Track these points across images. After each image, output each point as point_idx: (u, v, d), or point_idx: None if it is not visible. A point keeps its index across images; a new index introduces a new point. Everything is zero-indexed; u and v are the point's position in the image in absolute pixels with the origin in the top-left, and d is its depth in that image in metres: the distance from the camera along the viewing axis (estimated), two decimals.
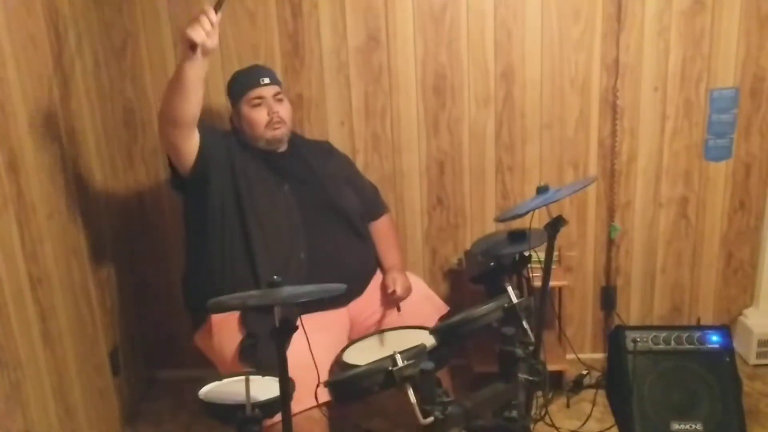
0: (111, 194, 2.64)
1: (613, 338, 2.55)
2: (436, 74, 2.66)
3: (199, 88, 1.95)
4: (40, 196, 2.07)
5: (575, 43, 2.63)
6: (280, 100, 2.24)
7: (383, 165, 2.75)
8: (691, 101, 2.68)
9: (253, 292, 1.56)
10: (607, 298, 2.90)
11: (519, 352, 1.75)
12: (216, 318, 2.08)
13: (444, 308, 2.31)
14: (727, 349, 2.39)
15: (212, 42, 1.87)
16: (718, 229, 2.83)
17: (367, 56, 2.64)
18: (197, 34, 1.82)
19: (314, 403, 1.72)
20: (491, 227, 2.79)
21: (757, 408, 2.53)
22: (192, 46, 1.85)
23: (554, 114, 2.70)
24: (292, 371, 1.47)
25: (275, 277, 1.45)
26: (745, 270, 2.88)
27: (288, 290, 1.44)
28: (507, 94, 2.68)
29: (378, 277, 2.30)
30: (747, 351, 2.83)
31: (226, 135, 2.26)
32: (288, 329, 1.41)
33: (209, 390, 1.73)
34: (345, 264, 2.16)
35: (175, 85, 1.93)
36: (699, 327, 2.51)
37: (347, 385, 1.67)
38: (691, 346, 2.40)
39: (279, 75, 2.42)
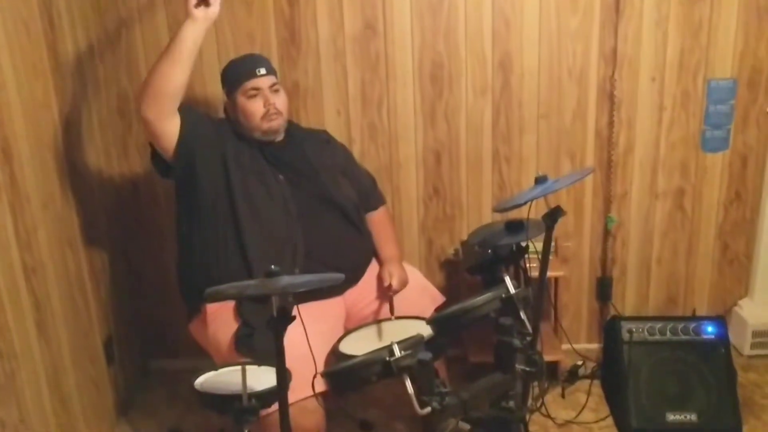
0: (105, 183, 2.62)
1: (609, 329, 2.56)
2: (433, 63, 2.65)
3: (192, 59, 1.98)
4: (34, 185, 2.05)
5: (573, 33, 2.61)
6: (276, 91, 2.22)
7: (380, 155, 2.74)
8: (688, 92, 2.67)
9: (250, 282, 1.55)
10: (603, 288, 2.90)
11: (516, 342, 1.75)
12: (211, 307, 2.07)
13: (440, 298, 2.30)
14: (722, 340, 2.40)
15: (216, 5, 1.92)
16: (714, 221, 2.83)
17: (364, 45, 2.62)
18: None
19: (311, 393, 1.72)
20: (488, 217, 2.79)
21: (752, 399, 2.54)
22: (198, 3, 1.89)
23: (551, 104, 2.69)
24: (288, 361, 1.46)
25: (272, 266, 1.44)
26: (740, 261, 2.88)
27: (286, 280, 1.43)
28: (504, 84, 2.67)
29: (374, 266, 2.29)
30: (741, 342, 2.84)
31: (219, 123, 2.23)
32: (285, 319, 1.40)
33: (205, 380, 1.73)
34: (341, 253, 2.15)
35: (170, 50, 1.96)
36: (694, 318, 2.52)
37: (344, 376, 1.67)
38: (687, 337, 2.41)
39: (275, 63, 2.40)
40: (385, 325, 2.11)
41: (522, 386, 1.90)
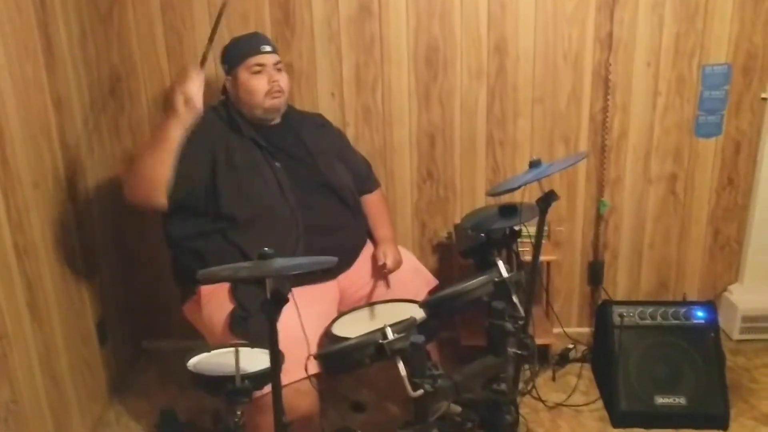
0: (98, 163, 2.60)
1: (600, 313, 2.57)
2: (428, 46, 2.63)
3: (176, 150, 1.96)
4: (26, 165, 2.04)
5: (569, 17, 2.60)
6: (279, 70, 2.21)
7: (374, 138, 2.73)
8: (683, 77, 2.67)
9: (244, 264, 1.55)
10: (595, 273, 2.91)
11: (508, 326, 1.76)
12: (205, 289, 2.07)
13: (433, 282, 2.31)
14: (712, 325, 2.41)
15: (200, 103, 1.95)
16: (705, 206, 2.84)
17: (359, 26, 2.60)
18: (190, 88, 1.93)
19: (304, 375, 1.73)
20: (481, 201, 2.79)
21: (740, 382, 2.57)
22: (185, 102, 1.92)
23: (546, 88, 2.69)
24: (281, 343, 1.47)
25: (266, 249, 1.44)
26: (731, 246, 2.90)
27: (279, 262, 1.43)
28: (500, 67, 2.66)
29: (368, 249, 2.29)
30: (731, 326, 2.86)
31: (206, 128, 2.13)
32: (279, 301, 1.40)
33: (198, 361, 1.73)
34: (335, 237, 2.15)
35: (155, 146, 1.97)
36: (685, 303, 2.53)
37: (338, 358, 1.68)
38: (677, 322, 2.42)
39: None
40: (378, 308, 2.12)
41: (513, 369, 1.92)
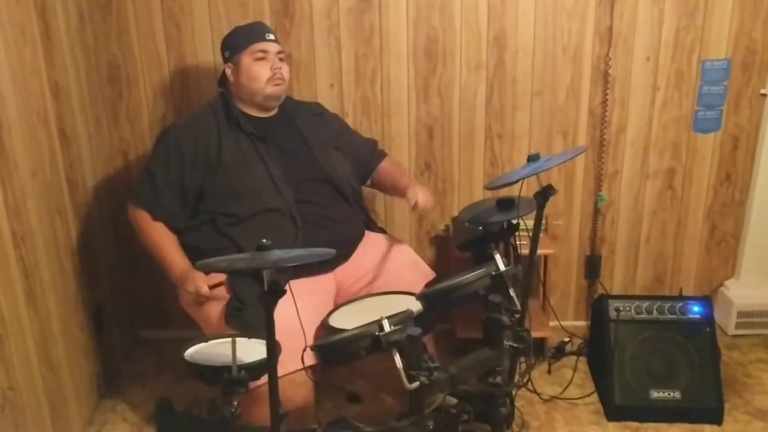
0: (95, 151, 2.59)
1: (597, 307, 2.57)
2: (428, 38, 2.62)
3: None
4: (23, 153, 2.03)
5: (569, 10, 2.60)
6: (282, 59, 2.22)
7: (372, 129, 2.72)
8: (682, 72, 2.67)
9: (241, 255, 1.55)
10: (592, 267, 2.92)
11: (505, 319, 1.76)
12: None
13: (430, 274, 2.31)
14: (708, 320, 2.42)
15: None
16: (703, 201, 2.85)
17: (359, 17, 2.59)
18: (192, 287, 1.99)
19: (300, 366, 1.73)
20: (479, 194, 2.79)
21: (735, 377, 2.58)
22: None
23: (545, 81, 2.68)
24: (278, 334, 1.47)
25: (264, 240, 1.44)
26: (728, 242, 2.90)
27: (277, 254, 1.43)
28: (499, 60, 2.66)
29: (365, 242, 2.29)
30: (726, 321, 2.87)
31: (194, 134, 2.16)
32: (276, 293, 1.40)
33: (195, 351, 1.73)
34: (332, 230, 2.15)
35: (154, 256, 2.14)
36: (681, 297, 2.54)
37: (334, 349, 1.68)
38: (673, 316, 2.43)
39: None
40: (375, 300, 2.12)
41: (509, 362, 1.92)
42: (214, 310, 1.99)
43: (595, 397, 2.49)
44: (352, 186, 2.32)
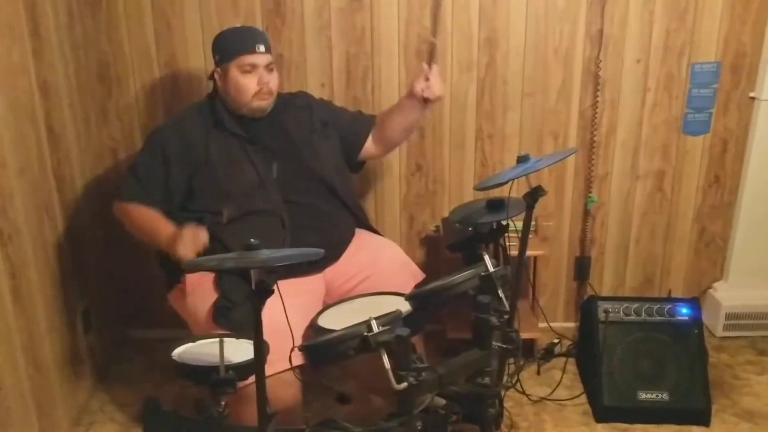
0: (84, 150, 2.58)
1: (586, 308, 2.58)
2: (419, 38, 2.62)
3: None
4: (11, 151, 2.02)
5: (560, 12, 2.60)
6: (271, 71, 2.18)
7: None
8: (672, 74, 2.68)
9: (229, 255, 1.54)
10: (581, 268, 2.93)
11: (494, 320, 1.76)
12: (191, 278, 2.06)
13: (420, 275, 2.30)
14: (696, 322, 2.43)
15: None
16: (692, 203, 2.86)
17: (350, 17, 2.59)
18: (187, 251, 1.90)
19: (288, 366, 1.73)
20: (469, 195, 2.79)
21: (722, 379, 2.59)
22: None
23: (536, 83, 2.69)
24: (266, 334, 1.46)
25: (252, 240, 1.43)
26: (716, 244, 2.92)
27: (265, 254, 1.42)
28: (490, 61, 2.66)
29: (354, 243, 2.28)
30: (715, 323, 2.88)
31: (188, 132, 2.18)
32: (264, 293, 1.40)
33: (183, 351, 1.72)
34: (322, 231, 2.15)
35: (144, 239, 2.13)
36: (669, 299, 2.56)
37: (322, 350, 1.68)
38: (661, 318, 2.44)
39: None
40: (364, 301, 2.11)
41: (498, 363, 1.92)
42: (202, 310, 1.98)
43: (583, 398, 2.49)
44: (344, 177, 2.31)
